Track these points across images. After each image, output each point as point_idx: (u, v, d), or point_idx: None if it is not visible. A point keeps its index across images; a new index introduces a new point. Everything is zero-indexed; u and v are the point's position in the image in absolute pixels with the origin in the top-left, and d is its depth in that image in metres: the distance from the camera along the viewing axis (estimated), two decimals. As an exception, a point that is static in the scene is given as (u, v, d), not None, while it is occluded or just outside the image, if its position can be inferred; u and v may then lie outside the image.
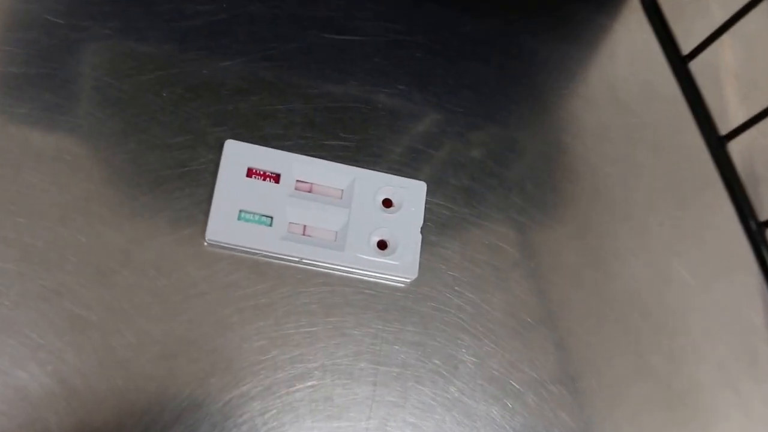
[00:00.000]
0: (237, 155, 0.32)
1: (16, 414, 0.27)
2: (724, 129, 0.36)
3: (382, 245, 0.32)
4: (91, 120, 0.32)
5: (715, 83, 0.40)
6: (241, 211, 0.31)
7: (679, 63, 0.35)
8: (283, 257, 0.31)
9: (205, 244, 0.31)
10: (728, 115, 0.39)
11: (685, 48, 0.36)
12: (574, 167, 0.36)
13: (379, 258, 0.31)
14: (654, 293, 0.35)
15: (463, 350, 0.32)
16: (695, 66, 0.35)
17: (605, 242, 0.35)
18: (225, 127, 0.33)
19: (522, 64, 0.38)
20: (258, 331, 0.30)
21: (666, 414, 0.33)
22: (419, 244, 0.32)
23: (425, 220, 0.33)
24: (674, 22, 0.35)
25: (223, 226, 0.30)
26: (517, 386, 0.32)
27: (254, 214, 0.31)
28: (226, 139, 0.32)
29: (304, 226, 0.32)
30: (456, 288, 0.33)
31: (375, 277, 0.32)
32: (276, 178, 0.32)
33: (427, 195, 0.33)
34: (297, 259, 0.31)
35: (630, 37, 0.40)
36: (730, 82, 0.40)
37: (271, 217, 0.31)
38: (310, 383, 0.30)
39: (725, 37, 0.34)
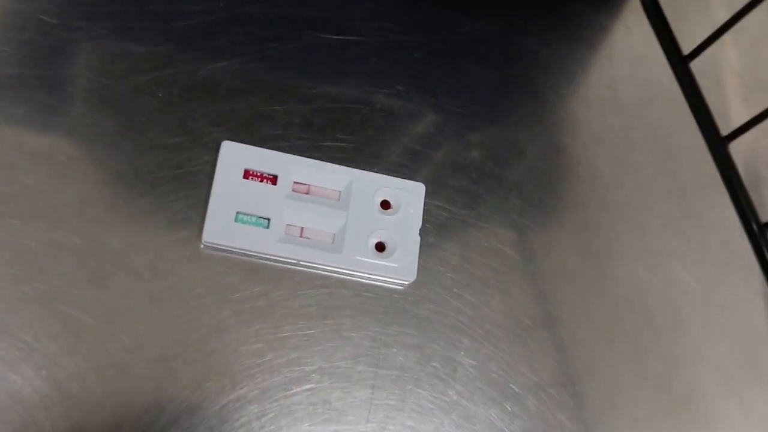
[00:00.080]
0: (234, 156, 0.31)
1: (11, 419, 0.27)
2: (725, 130, 0.35)
3: (380, 247, 0.32)
4: (86, 121, 0.31)
5: (717, 83, 0.40)
6: (237, 213, 0.31)
7: (680, 63, 0.35)
8: (280, 259, 0.31)
9: (202, 246, 0.31)
10: (730, 115, 0.39)
11: (686, 48, 0.36)
12: (574, 169, 0.36)
13: (378, 260, 0.31)
14: (655, 296, 0.35)
15: (462, 353, 0.32)
16: (696, 66, 0.35)
17: (605, 244, 0.35)
18: (221, 128, 0.33)
19: (521, 65, 0.38)
20: (255, 334, 0.30)
21: (666, 417, 0.33)
22: (418, 246, 0.32)
23: (424, 221, 0.33)
24: (675, 21, 0.35)
25: (220, 228, 0.30)
26: (517, 389, 0.32)
27: (251, 216, 0.31)
28: (223, 140, 0.32)
29: (302, 228, 0.32)
30: (455, 290, 0.33)
31: (373, 279, 0.32)
32: (273, 179, 0.32)
33: (425, 197, 0.33)
34: (294, 262, 0.31)
35: (630, 37, 0.40)
36: (732, 82, 0.40)
37: (269, 219, 0.31)
38: (307, 386, 0.30)
39: (727, 37, 0.33)
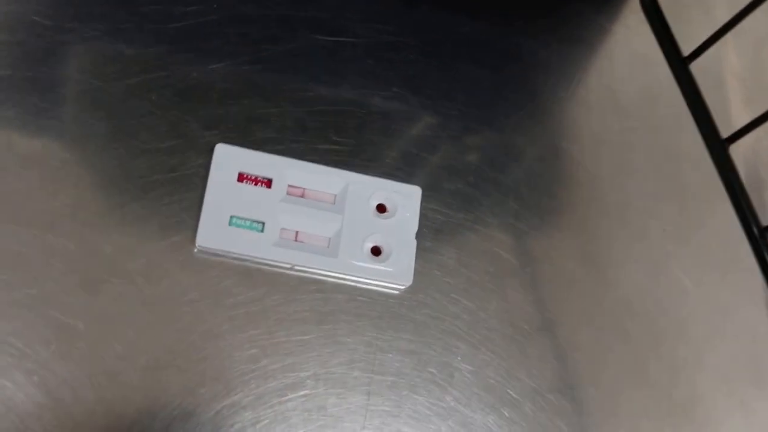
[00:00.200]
0: (228, 160, 0.31)
1: (2, 426, 0.27)
2: (727, 131, 0.35)
3: (376, 251, 0.32)
4: (78, 124, 0.31)
5: (718, 85, 0.40)
6: (232, 216, 0.31)
7: (680, 64, 0.35)
8: (274, 264, 0.31)
9: (195, 250, 0.30)
10: (731, 117, 0.39)
11: (686, 49, 0.35)
12: (572, 172, 0.36)
13: (373, 264, 0.31)
14: (654, 300, 0.35)
15: (459, 358, 0.31)
16: (697, 67, 0.35)
17: (604, 248, 0.35)
18: (215, 130, 0.32)
19: (519, 66, 0.38)
20: (249, 340, 0.30)
21: (666, 423, 0.33)
22: (414, 251, 0.32)
23: (420, 225, 0.33)
24: (675, 23, 0.34)
25: (214, 232, 0.30)
26: (515, 395, 0.31)
27: (245, 219, 0.31)
28: (217, 143, 0.32)
29: (297, 232, 0.31)
30: (452, 295, 0.32)
31: (369, 284, 0.32)
32: (267, 183, 0.31)
33: (422, 200, 0.33)
34: (289, 266, 0.31)
35: (630, 38, 0.40)
36: (733, 83, 0.39)
37: (263, 223, 0.31)
38: (302, 392, 0.30)
39: (729, 38, 0.33)
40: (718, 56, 0.40)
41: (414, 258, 0.32)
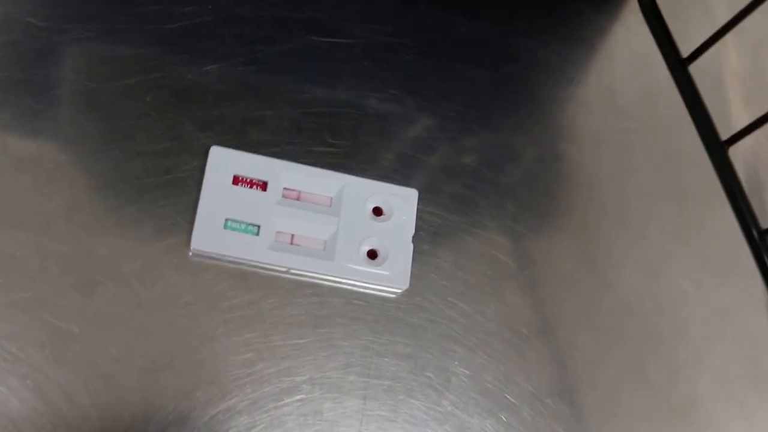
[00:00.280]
0: (223, 162, 0.31)
1: (-5, 430, 0.27)
2: (727, 133, 0.35)
3: (372, 255, 0.32)
4: (73, 126, 0.31)
5: (718, 86, 0.39)
6: (227, 219, 0.30)
7: (679, 66, 0.34)
8: (270, 267, 0.31)
9: (190, 253, 0.30)
10: (731, 118, 0.39)
11: (686, 49, 0.35)
12: (570, 173, 0.36)
13: (370, 268, 0.31)
14: (653, 302, 0.34)
15: (456, 362, 0.31)
16: (696, 68, 0.35)
17: (603, 250, 0.35)
18: (210, 132, 0.32)
19: (517, 67, 0.37)
20: (245, 343, 0.30)
21: (665, 426, 0.33)
22: (410, 254, 0.32)
23: (417, 228, 0.33)
24: (674, 24, 0.34)
25: (209, 235, 0.30)
26: (512, 399, 0.31)
27: (241, 222, 0.31)
28: (212, 145, 0.31)
29: (292, 235, 0.31)
30: (449, 298, 0.32)
31: (365, 287, 0.32)
32: (263, 185, 0.31)
33: (418, 203, 0.33)
34: (285, 269, 0.31)
35: (630, 38, 0.40)
36: (733, 84, 0.39)
37: (258, 226, 0.31)
38: (298, 397, 0.30)
39: (728, 38, 0.33)
40: (718, 57, 0.40)
41: (410, 261, 0.32)
